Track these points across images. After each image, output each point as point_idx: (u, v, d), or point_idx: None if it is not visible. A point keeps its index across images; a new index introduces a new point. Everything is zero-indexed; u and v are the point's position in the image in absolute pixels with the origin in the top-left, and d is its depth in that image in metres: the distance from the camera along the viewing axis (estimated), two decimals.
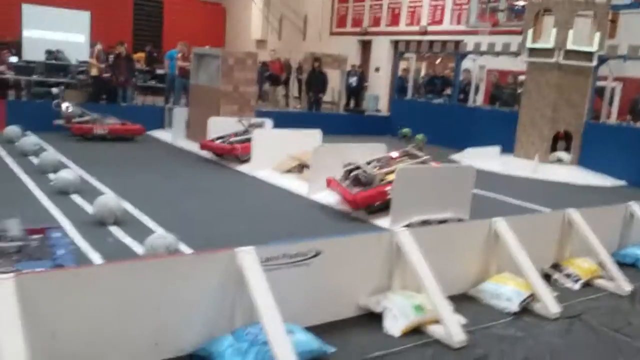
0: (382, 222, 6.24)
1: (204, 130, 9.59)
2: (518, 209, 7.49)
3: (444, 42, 14.59)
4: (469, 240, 4.47)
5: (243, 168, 8.84)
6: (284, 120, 11.07)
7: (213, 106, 10.42)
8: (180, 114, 11.50)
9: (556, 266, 4.99)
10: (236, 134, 9.32)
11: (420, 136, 6.87)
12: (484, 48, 13.05)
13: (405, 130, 6.98)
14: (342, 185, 6.39)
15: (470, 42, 13.92)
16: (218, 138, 9.25)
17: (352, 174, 6.40)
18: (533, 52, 11.14)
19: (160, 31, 26.03)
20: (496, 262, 4.58)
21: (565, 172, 10.70)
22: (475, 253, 4.51)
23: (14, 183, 6.91)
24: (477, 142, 11.82)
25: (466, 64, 14.17)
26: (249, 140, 8.91)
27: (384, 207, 6.15)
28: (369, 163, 6.51)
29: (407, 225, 5.50)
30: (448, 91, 14.76)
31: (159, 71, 17.02)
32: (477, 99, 14.91)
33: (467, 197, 6.28)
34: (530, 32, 11.12)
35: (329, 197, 7.01)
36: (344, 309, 3.83)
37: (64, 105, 10.56)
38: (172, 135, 11.30)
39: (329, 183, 6.69)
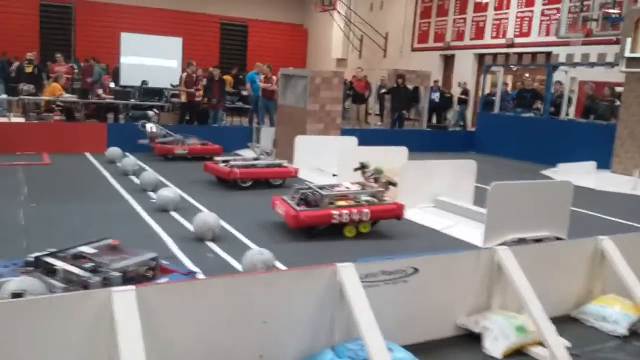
0: (474, 239, 6.12)
1: (292, 149, 9.81)
2: (619, 227, 7.11)
3: (533, 54, 14.15)
4: (572, 259, 4.29)
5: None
6: (367, 138, 11.13)
7: (299, 125, 10.65)
8: (267, 132, 11.84)
9: None
10: (244, 159, 9.08)
11: (378, 167, 6.62)
12: (576, 59, 12.55)
13: (364, 162, 6.77)
14: (289, 202, 6.16)
15: (561, 53, 13.42)
16: (224, 161, 8.81)
17: (300, 193, 6.19)
18: (632, 61, 10.57)
19: (244, 53, 27.03)
20: (601, 282, 4.36)
21: None
22: (579, 273, 4.32)
23: (119, 201, 7.36)
24: (571, 158, 11.33)
25: (557, 75, 13.65)
26: (254, 166, 8.66)
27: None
28: (322, 187, 6.31)
29: (502, 244, 5.36)
30: (538, 104, 14.27)
31: (244, 93, 17.68)
32: (570, 112, 14.31)
33: (565, 215, 6.02)
34: (628, 40, 10.58)
35: (421, 215, 6.96)
36: (441, 328, 3.78)
37: (148, 126, 11.12)
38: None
39: (274, 202, 6.42)
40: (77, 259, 3.97)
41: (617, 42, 11.75)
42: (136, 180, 8.56)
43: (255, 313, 3.09)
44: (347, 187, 6.51)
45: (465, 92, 18.02)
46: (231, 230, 6.11)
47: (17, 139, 10.74)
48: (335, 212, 5.99)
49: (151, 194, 7.59)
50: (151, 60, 18.47)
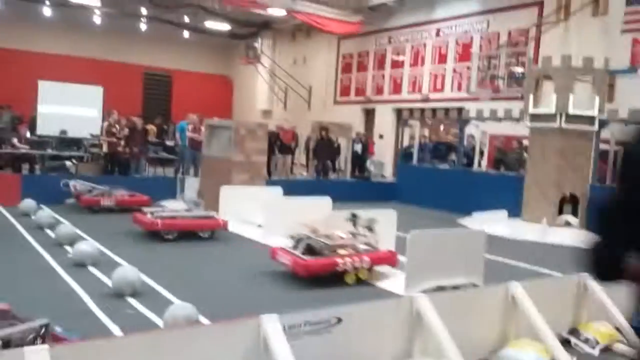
0: (394, 287, 6.29)
1: (217, 200, 9.76)
2: (530, 273, 7.51)
3: (447, 109, 15.00)
4: (487, 305, 4.51)
5: (255, 236, 8.94)
6: (292, 188, 11.29)
7: (224, 176, 10.65)
8: (191, 183, 11.73)
9: (574, 331, 4.99)
10: (171, 211, 8.91)
11: (371, 217, 7.13)
12: (486, 114, 13.39)
13: (356, 212, 7.28)
14: (293, 253, 6.53)
15: (472, 108, 14.29)
16: (151, 212, 8.65)
17: (302, 243, 6.59)
18: (535, 117, 11.43)
19: (169, 103, 26.87)
20: (514, 327, 4.59)
21: (574, 235, 10.72)
22: (493, 318, 4.53)
23: (32, 256, 7.01)
24: (484, 207, 11.92)
25: (469, 129, 14.50)
26: (179, 217, 8.56)
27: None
28: (318, 237, 6.67)
29: (422, 291, 5.53)
30: (452, 156, 15.04)
31: (169, 143, 17.53)
32: (482, 164, 15.17)
33: (480, 262, 6.33)
34: (531, 97, 11.46)
35: None
36: None
37: (71, 184, 10.76)
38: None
39: (274, 253, 6.73)
40: None
41: (521, 98, 12.68)
42: (52, 234, 8.20)
43: None
44: (341, 237, 6.85)
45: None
46: (154, 285, 5.94)
47: None
48: (340, 260, 6.35)
49: (68, 248, 7.29)
50: (70, 109, 17.99)
